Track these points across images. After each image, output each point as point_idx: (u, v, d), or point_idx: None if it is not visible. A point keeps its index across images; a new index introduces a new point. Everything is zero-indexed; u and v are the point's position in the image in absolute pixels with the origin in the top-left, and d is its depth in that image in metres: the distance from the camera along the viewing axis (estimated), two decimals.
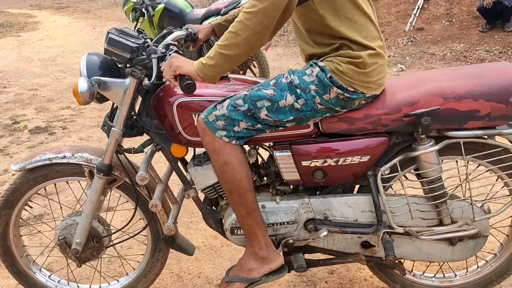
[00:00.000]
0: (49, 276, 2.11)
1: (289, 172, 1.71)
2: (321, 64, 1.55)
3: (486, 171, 1.71)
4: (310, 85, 1.55)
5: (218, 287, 1.77)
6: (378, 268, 1.91)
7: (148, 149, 1.85)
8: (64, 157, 1.84)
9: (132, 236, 1.99)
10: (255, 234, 1.71)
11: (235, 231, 1.78)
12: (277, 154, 1.70)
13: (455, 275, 1.97)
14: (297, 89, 1.55)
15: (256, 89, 1.60)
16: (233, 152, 1.62)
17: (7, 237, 1.96)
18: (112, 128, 1.73)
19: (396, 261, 1.80)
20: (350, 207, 1.75)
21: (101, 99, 1.76)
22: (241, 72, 5.39)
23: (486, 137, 1.61)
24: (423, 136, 1.59)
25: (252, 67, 5.44)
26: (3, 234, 1.95)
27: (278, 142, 1.70)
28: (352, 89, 1.53)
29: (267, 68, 5.15)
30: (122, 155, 1.82)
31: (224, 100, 1.62)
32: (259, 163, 1.85)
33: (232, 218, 1.76)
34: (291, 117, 1.59)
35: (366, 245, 1.79)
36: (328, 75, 1.53)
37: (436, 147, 1.60)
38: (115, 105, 1.79)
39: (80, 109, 5.27)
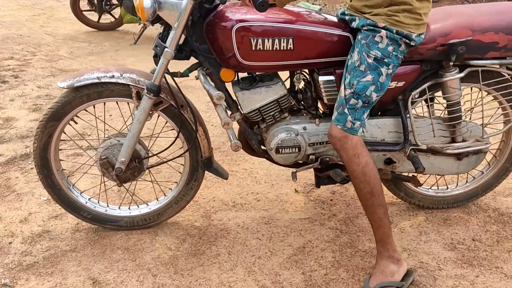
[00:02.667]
0: (81, 193, 2.16)
1: (331, 96, 1.91)
2: (381, 25, 1.70)
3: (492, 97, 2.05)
4: (388, 47, 1.71)
5: None
6: (391, 180, 2.19)
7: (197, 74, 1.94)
8: (113, 76, 1.88)
9: (172, 159, 2.10)
10: (389, 236, 1.82)
11: (280, 150, 1.95)
12: (321, 79, 1.88)
13: (447, 187, 2.34)
14: (384, 60, 1.71)
15: (355, 82, 1.72)
16: (366, 150, 1.78)
17: (48, 150, 1.99)
18: (165, 49, 1.80)
19: (411, 175, 2.12)
20: (379, 128, 1.99)
21: (153, 21, 1.82)
22: None
23: (498, 66, 1.93)
24: (451, 64, 1.87)
25: None
26: (44, 146, 1.97)
27: (322, 68, 1.89)
28: (415, 34, 1.73)
29: None
30: (169, 78, 1.90)
31: (339, 106, 1.74)
32: (296, 89, 2.02)
33: (278, 138, 1.93)
34: (390, 82, 1.78)
35: (388, 162, 2.05)
36: (394, 31, 1.70)
37: (461, 74, 1.89)
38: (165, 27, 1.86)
39: (26, 59, 5.07)
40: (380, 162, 2.05)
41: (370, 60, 1.71)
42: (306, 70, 1.98)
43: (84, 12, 6.30)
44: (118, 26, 6.45)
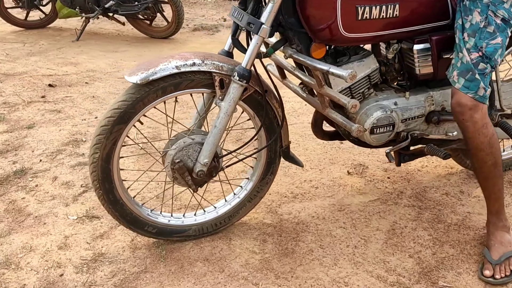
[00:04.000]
0: (142, 205, 1.85)
1: (424, 66, 1.79)
2: None
3: None
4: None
5: (488, 277, 1.68)
6: (460, 150, 2.13)
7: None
8: (194, 64, 1.60)
9: (252, 154, 1.85)
10: (503, 206, 1.77)
11: (375, 130, 1.80)
12: (416, 47, 1.76)
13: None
14: (510, 21, 1.59)
15: (484, 45, 1.58)
16: (490, 120, 1.67)
17: (111, 159, 1.65)
18: (263, 26, 1.56)
19: None
20: None
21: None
22: (152, 16, 5.04)
23: None
24: None
25: (163, 11, 5.12)
26: (108, 155, 1.63)
27: (417, 36, 1.76)
28: None
29: (182, 12, 4.91)
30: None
31: (467, 73, 1.61)
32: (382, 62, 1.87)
33: (374, 117, 1.76)
34: None
35: None
36: None
37: None
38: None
39: None
40: (451, 130, 1.97)
41: (498, 21, 1.59)
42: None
43: (9, 10, 5.56)
44: (49, 23, 5.80)
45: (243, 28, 1.70)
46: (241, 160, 1.86)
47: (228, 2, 6.99)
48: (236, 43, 1.71)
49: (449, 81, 1.91)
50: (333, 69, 1.52)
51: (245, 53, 1.71)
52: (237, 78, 1.60)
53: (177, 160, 1.70)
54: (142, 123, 1.73)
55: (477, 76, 1.60)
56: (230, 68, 1.63)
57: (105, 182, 1.68)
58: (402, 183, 2.31)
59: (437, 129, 1.94)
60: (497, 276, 1.67)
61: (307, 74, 1.77)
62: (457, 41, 1.66)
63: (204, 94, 1.81)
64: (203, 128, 1.92)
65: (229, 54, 1.76)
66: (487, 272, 1.68)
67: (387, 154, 1.91)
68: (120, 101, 1.60)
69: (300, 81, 1.94)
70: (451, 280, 1.71)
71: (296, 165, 1.94)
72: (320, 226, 2.02)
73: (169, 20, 5.01)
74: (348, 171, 2.42)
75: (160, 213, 1.89)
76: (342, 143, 2.68)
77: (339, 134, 1.99)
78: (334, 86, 1.74)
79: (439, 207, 2.12)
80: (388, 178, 2.36)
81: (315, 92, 1.73)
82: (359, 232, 1.97)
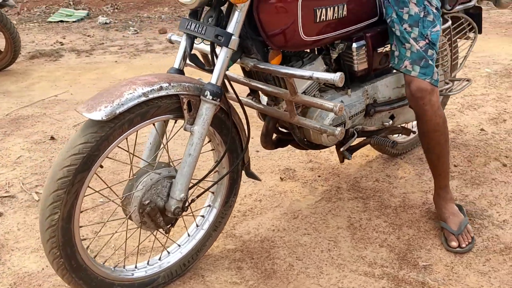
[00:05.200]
0: (103, 263, 1.56)
1: (362, 62, 1.86)
2: None
3: None
4: None
5: (455, 248, 1.82)
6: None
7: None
8: (161, 88, 1.39)
9: (218, 181, 1.69)
10: (449, 179, 1.94)
11: None
12: (355, 45, 1.82)
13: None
14: (439, 9, 1.77)
15: (429, 33, 1.71)
16: None
17: (72, 217, 1.34)
18: (232, 37, 1.43)
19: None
20: (387, 87, 2.05)
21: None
22: None
23: None
24: None
25: None
26: (69, 213, 1.33)
27: (354, 34, 1.82)
28: None
29: (18, 39, 4.28)
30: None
31: (420, 60, 1.71)
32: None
33: (329, 119, 1.76)
34: None
35: (391, 117, 2.14)
36: None
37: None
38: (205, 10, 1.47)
39: None
40: (386, 119, 2.12)
41: (434, 10, 1.73)
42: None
43: None
44: None
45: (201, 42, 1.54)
46: (208, 189, 1.68)
47: (56, 24, 6.35)
48: (194, 59, 1.54)
49: (375, 75, 2.04)
50: (318, 74, 1.48)
51: (203, 69, 1.56)
52: (210, 97, 1.44)
53: (146, 202, 1.46)
54: (102, 167, 1.44)
55: (430, 62, 1.73)
56: (197, 88, 1.46)
57: (67, 247, 1.36)
58: (334, 179, 2.38)
59: (373, 121, 2.04)
60: (463, 245, 1.83)
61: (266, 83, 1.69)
62: (398, 33, 1.76)
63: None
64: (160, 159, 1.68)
65: (181, 73, 1.58)
66: (454, 243, 1.83)
67: (346, 153, 1.93)
68: (79, 144, 1.30)
69: (248, 92, 1.86)
70: (426, 258, 1.81)
71: (257, 180, 1.84)
72: (286, 238, 1.95)
73: (1, 49, 4.32)
74: (280, 178, 2.40)
75: (124, 267, 1.61)
76: (258, 151, 2.65)
77: (288, 141, 1.96)
78: (299, 86, 1.69)
79: (378, 193, 2.24)
80: (319, 176, 2.41)
81: (285, 101, 1.66)
82: (324, 234, 1.97)
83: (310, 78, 1.48)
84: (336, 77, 1.43)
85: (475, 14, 2.37)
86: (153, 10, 7.13)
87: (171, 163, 1.58)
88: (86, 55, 4.90)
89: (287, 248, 1.89)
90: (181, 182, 1.48)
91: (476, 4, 2.28)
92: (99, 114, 1.28)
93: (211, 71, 1.51)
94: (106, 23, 6.31)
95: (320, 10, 1.59)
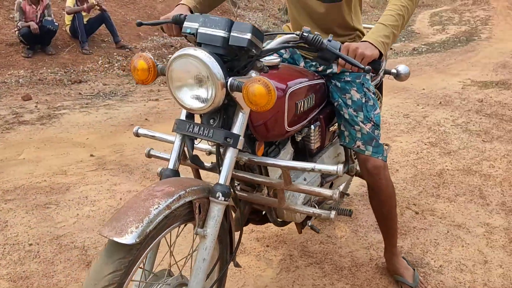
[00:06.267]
0: None
1: (317, 141, 2.02)
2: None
3: None
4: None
5: None
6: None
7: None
8: (180, 197, 1.34)
9: (221, 277, 1.65)
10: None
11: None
12: (313, 126, 1.97)
13: None
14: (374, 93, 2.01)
15: (372, 116, 1.93)
16: None
17: None
18: (240, 138, 1.45)
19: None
20: (329, 158, 2.25)
21: None
22: None
23: None
24: None
25: None
26: None
27: (313, 118, 1.98)
28: None
29: None
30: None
31: (371, 141, 1.92)
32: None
33: (301, 197, 1.88)
34: None
35: (331, 185, 2.34)
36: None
37: None
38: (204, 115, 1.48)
39: None
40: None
41: (372, 95, 1.97)
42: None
43: None
44: None
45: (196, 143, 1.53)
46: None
47: None
48: (195, 159, 1.52)
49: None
50: (320, 166, 1.57)
51: (203, 168, 1.55)
52: (222, 199, 1.43)
53: None
54: None
55: (379, 141, 1.95)
56: (205, 189, 1.44)
57: None
58: (283, 247, 2.48)
59: None
60: None
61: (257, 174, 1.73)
62: (347, 116, 1.97)
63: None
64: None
65: (177, 174, 1.54)
66: None
67: (312, 226, 2.05)
68: (109, 274, 1.18)
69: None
70: None
71: (236, 267, 1.84)
72: None
73: None
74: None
75: None
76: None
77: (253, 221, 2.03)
78: (273, 172, 1.79)
79: (329, 256, 2.39)
80: (267, 246, 2.48)
81: (276, 190, 1.71)
82: None
83: (312, 170, 1.58)
84: (339, 168, 1.55)
85: (379, 86, 2.76)
86: (7, 73, 6.49)
87: (179, 271, 1.51)
88: None
89: None
90: None
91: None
92: (132, 237, 1.18)
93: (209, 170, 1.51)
94: None
95: (300, 102, 1.71)
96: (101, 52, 7.65)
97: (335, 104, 1.99)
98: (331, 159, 2.24)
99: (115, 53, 7.75)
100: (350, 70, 1.56)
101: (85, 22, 7.52)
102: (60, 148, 3.92)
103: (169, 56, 8.00)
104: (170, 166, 1.54)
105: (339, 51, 1.51)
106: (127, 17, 9.12)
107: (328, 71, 1.98)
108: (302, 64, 2.04)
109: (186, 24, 1.47)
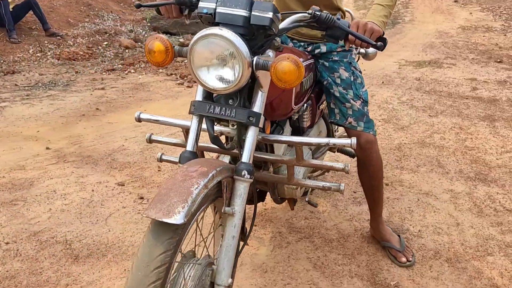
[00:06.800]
0: None
1: (309, 119, 2.09)
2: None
3: None
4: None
5: (405, 262, 2.21)
6: None
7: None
8: (213, 177, 1.34)
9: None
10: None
11: None
12: (306, 105, 2.03)
13: None
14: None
15: (361, 93, 2.01)
16: None
17: None
18: (262, 116, 1.47)
19: None
20: (314, 135, 2.32)
21: None
22: None
23: None
24: None
25: None
26: None
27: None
28: None
29: None
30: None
31: (362, 117, 2.00)
32: None
33: (301, 173, 1.95)
34: None
35: None
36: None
37: None
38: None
39: None
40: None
41: (358, 73, 2.05)
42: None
43: None
44: None
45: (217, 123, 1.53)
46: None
47: None
48: (216, 140, 1.51)
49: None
50: (334, 141, 1.63)
51: (223, 149, 1.55)
52: (248, 176, 1.45)
53: None
54: None
55: (369, 117, 2.05)
56: (229, 168, 1.45)
57: None
58: (270, 225, 2.53)
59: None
60: (410, 258, 2.21)
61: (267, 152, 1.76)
62: (337, 94, 2.04)
63: None
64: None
65: (196, 155, 1.53)
66: (403, 259, 2.20)
67: (310, 201, 2.11)
68: (160, 255, 1.17)
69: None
70: (392, 278, 2.13)
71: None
72: None
73: None
74: None
75: None
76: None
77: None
78: (277, 149, 1.83)
79: (316, 230, 2.48)
80: (255, 226, 2.52)
81: (287, 166, 1.75)
82: (301, 280, 2.10)
83: (327, 144, 1.63)
84: (353, 141, 1.62)
85: None
86: None
87: (206, 251, 1.51)
88: None
89: None
90: (227, 266, 1.44)
91: None
92: (180, 217, 1.18)
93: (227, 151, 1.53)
94: None
95: (304, 80, 1.76)
96: (31, 41, 7.19)
97: (325, 83, 2.06)
98: (316, 136, 2.32)
99: (46, 41, 7.31)
100: (359, 47, 1.63)
101: (11, 9, 7.02)
102: (11, 142, 3.68)
103: (105, 43, 7.71)
104: (189, 148, 1.52)
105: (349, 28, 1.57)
106: (54, 3, 8.62)
107: (316, 51, 2.04)
108: (291, 44, 2.09)
109: (202, 4, 1.45)
